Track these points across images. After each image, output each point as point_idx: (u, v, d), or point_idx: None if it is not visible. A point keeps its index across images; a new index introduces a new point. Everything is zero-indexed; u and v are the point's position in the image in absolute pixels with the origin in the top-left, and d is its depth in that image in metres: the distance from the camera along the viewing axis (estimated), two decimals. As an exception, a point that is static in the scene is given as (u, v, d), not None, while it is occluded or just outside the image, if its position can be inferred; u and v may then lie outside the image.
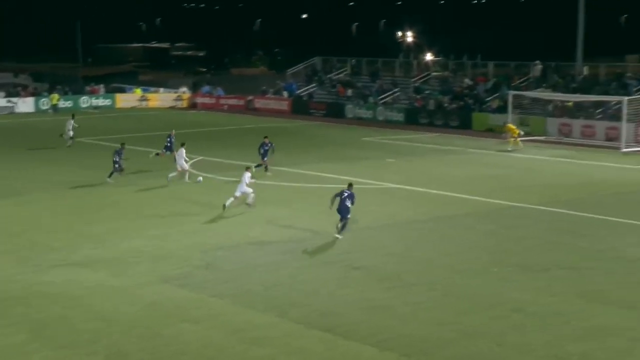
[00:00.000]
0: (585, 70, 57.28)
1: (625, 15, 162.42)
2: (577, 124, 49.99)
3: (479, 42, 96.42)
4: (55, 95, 67.46)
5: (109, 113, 66.39)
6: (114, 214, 28.94)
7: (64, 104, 67.63)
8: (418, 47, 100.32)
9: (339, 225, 25.69)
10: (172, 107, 71.68)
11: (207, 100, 72.37)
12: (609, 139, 47.46)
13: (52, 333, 17.63)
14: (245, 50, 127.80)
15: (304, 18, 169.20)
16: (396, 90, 63.93)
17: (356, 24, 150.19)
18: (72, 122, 46.47)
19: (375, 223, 27.55)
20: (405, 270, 21.97)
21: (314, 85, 70.12)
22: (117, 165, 34.88)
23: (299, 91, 69.80)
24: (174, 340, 17.19)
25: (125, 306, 19.27)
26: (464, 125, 54.85)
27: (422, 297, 19.75)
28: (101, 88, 73.58)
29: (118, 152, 35.08)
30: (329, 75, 70.74)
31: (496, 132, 51.09)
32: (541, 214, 28.84)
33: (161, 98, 73.40)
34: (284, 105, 67.68)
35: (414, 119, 58.08)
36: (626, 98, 46.52)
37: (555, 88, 55.00)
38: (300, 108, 66.24)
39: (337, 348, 16.75)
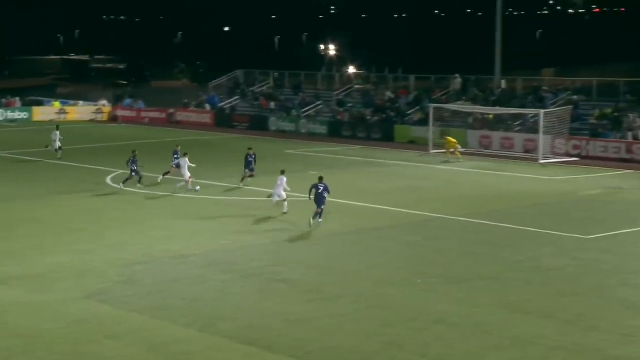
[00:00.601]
0: (503, 84, 58.39)
1: (540, 31, 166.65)
2: (497, 136, 50.87)
3: (400, 56, 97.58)
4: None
5: (26, 126, 64.97)
6: (34, 229, 28.28)
7: (-22, 116, 65.96)
8: (340, 60, 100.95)
9: (317, 212, 28.51)
10: (92, 120, 70.52)
11: (127, 113, 71.42)
12: (527, 151, 48.42)
13: (-35, 352, 17.06)
14: (166, 62, 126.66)
15: (226, 30, 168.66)
16: (319, 102, 64.12)
17: (278, 37, 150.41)
18: (57, 132, 46.34)
19: (298, 235, 27.49)
20: (329, 282, 21.95)
21: (236, 97, 69.84)
22: (133, 173, 35.87)
23: (221, 104, 69.42)
24: (95, 357, 16.81)
25: (48, 323, 18.81)
26: (386, 137, 55.31)
27: (346, 309, 19.74)
28: (17, 101, 71.99)
29: (133, 160, 36.00)
30: (251, 88, 70.57)
31: (418, 144, 51.70)
32: (463, 225, 29.20)
33: (80, 111, 72.15)
34: (207, 117, 67.23)
35: (336, 131, 58.32)
36: (542, 111, 47.54)
37: (474, 101, 55.90)
38: (223, 121, 65.88)
39: (260, 362, 16.60)
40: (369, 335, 17.93)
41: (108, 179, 38.93)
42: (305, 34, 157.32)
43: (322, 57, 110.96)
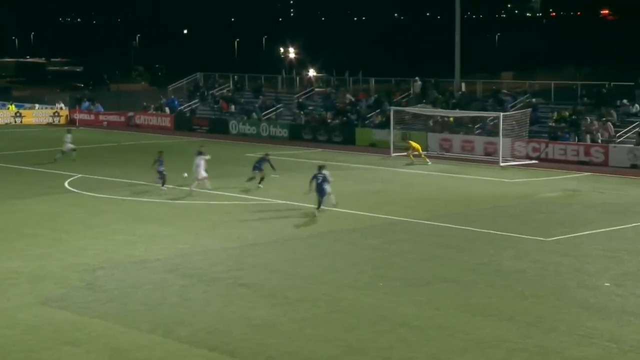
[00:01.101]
0: (463, 87, 58.86)
1: (499, 34, 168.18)
2: (457, 139, 51.26)
3: (361, 59, 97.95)
4: None
5: (-18, 130, 64.19)
6: (-12, 234, 27.95)
7: None
8: (300, 63, 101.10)
9: (321, 202, 30.55)
10: (49, 124, 69.87)
11: (86, 116, 70.85)
12: (487, 154, 48.86)
13: None
14: (125, 65, 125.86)
15: (185, 33, 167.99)
16: (279, 106, 64.14)
17: (238, 39, 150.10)
18: (70, 136, 46.75)
19: (260, 239, 27.51)
20: (290, 287, 21.99)
21: (196, 101, 69.63)
22: (164, 174, 36.19)
23: (181, 107, 69.17)
24: (55, 365, 16.67)
25: (1, 330, 18.58)
26: (348, 140, 55.52)
27: (307, 314, 19.79)
28: (-31, 104, 71.19)
29: (160, 161, 36.22)
30: (211, 91, 70.39)
31: (379, 147, 51.94)
32: (424, 228, 29.40)
33: (37, 114, 71.44)
34: (166, 121, 66.94)
35: (297, 134, 58.40)
36: (502, 114, 48.00)
37: (435, 104, 56.28)
38: (183, 124, 65.65)
39: (224, 367, 16.58)
40: (331, 340, 17.99)
41: (66, 183, 38.60)
42: (265, 36, 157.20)
43: (282, 60, 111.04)
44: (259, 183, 37.48)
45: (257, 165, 37.68)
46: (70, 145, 46.57)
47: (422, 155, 46.33)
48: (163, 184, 36.35)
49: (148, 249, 26.01)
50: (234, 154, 50.16)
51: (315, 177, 30.89)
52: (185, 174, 36.47)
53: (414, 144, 46.89)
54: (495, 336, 18.24)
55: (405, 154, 47.16)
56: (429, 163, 45.62)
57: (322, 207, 30.74)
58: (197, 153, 36.31)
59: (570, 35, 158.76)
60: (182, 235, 28.14)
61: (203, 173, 35.52)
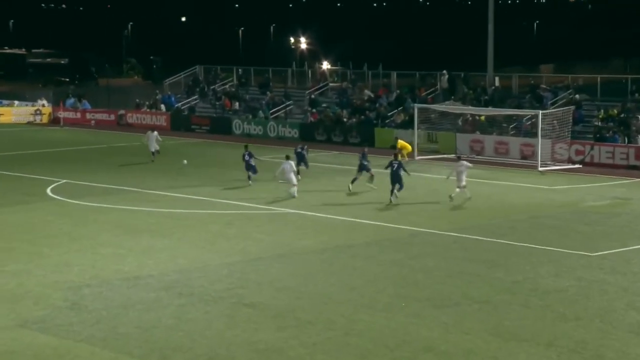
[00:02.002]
0: (497, 82, 58.82)
1: (538, 22, 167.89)
2: (490, 140, 51.20)
3: (381, 50, 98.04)
4: None
5: (-45, 129, 64.58)
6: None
7: None
8: (313, 55, 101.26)
9: (396, 191, 35.09)
10: (30, 123, 70.23)
11: (71, 114, 71.17)
12: (523, 157, 48.77)
13: None
14: (115, 57, 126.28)
15: (183, 21, 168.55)
16: (289, 103, 64.26)
17: (242, 28, 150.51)
18: (156, 134, 48.63)
19: (267, 253, 27.56)
20: (301, 307, 22.03)
21: (195, 97, 69.83)
22: (250, 172, 39.97)
23: (178, 104, 69.37)
24: (35, 394, 16.77)
25: (-25, 355, 18.72)
26: (366, 142, 55.44)
27: (319, 337, 19.82)
28: (-57, 101, 71.64)
29: (250, 155, 40.04)
30: (212, 87, 70.59)
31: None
32: (452, 242, 29.39)
33: (17, 112, 71.84)
34: (162, 120, 67.14)
35: (309, 135, 58.47)
36: (541, 112, 47.92)
37: (464, 101, 56.27)
38: (181, 123, 65.82)
39: (225, 397, 16.64)
40: (347, 367, 18.02)
41: (49, 190, 38.78)
42: (273, 25, 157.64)
43: (293, 52, 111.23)
44: (371, 183, 38.87)
45: (365, 164, 39.16)
46: (156, 146, 47.97)
47: (405, 155, 46.67)
48: (249, 177, 40.02)
49: (140, 264, 26.08)
50: (237, 158, 50.13)
51: (390, 165, 35.78)
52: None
53: (404, 143, 47.08)
54: (531, 364, 18.22)
55: (408, 158, 47.00)
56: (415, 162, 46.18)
57: (396, 194, 35.40)
58: (286, 157, 38.09)
59: (618, 23, 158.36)
60: (178, 248, 28.21)
61: (293, 178, 37.02)
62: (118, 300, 22.55)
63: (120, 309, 21.87)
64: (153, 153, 47.94)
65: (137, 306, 22.05)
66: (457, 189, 36.19)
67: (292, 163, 37.60)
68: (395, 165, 35.61)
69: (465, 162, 36.92)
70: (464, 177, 36.35)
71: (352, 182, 38.69)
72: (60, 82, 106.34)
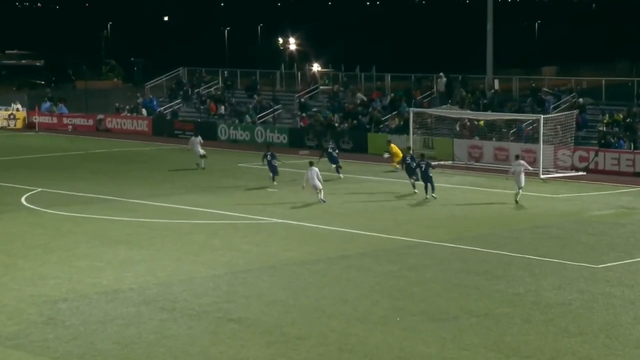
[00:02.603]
0: (497, 84, 58.92)
1: (539, 22, 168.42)
2: (489, 146, 51.26)
3: (374, 51, 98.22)
4: None
5: None
6: None
7: None
8: (303, 57, 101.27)
9: (430, 189, 38.35)
10: (3, 128, 70.07)
11: (47, 119, 71.07)
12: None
13: None
14: (94, 59, 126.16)
15: (166, 21, 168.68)
16: (278, 107, 64.27)
17: (228, 28, 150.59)
18: (199, 138, 49.35)
19: (254, 265, 27.52)
20: (290, 322, 21.99)
21: (178, 101, 69.80)
22: (272, 174, 42.11)
23: (160, 108, 69.33)
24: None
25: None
26: (358, 148, 55.56)
27: (311, 354, 19.79)
28: None
29: (272, 156, 42.19)
30: (197, 90, 70.58)
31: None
32: (449, 252, 29.39)
33: (-11, 117, 71.62)
34: (143, 125, 67.09)
35: (299, 140, 58.47)
36: (542, 116, 48.01)
37: (462, 105, 56.34)
38: (163, 129, 65.76)
39: (210, 417, 16.59)
40: (339, 385, 17.99)
41: (23, 199, 38.70)
42: (261, 25, 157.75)
43: (282, 53, 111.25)
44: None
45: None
46: (202, 151, 48.38)
47: (393, 163, 47.15)
48: (273, 179, 42.08)
49: (119, 277, 26.02)
50: (223, 164, 50.22)
51: (418, 166, 38.93)
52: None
53: (396, 150, 47.19)
54: (534, 381, 18.23)
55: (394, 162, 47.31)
56: (398, 169, 46.13)
57: (432, 194, 38.37)
58: (310, 162, 39.04)
59: (623, 23, 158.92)
60: (160, 260, 28.16)
61: (318, 184, 37.77)
62: (96, 315, 22.48)
63: (98, 324, 21.80)
64: (202, 156, 48.08)
65: (116, 321, 21.99)
66: (519, 190, 37.77)
67: (316, 169, 38.14)
68: (424, 166, 38.63)
69: (522, 162, 38.99)
70: (522, 178, 37.86)
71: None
72: (36, 85, 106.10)
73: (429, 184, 38.62)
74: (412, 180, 39.90)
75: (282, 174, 43.11)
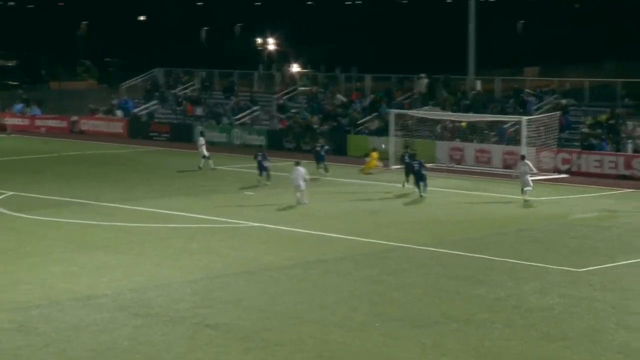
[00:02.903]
0: (479, 85, 59.07)
1: (522, 22, 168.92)
2: (471, 148, 51.38)
3: (354, 52, 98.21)
4: None
5: None
6: None
7: None
8: (282, 57, 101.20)
9: (422, 187, 39.62)
10: (-26, 130, 69.75)
11: (19, 121, 70.78)
12: (507, 166, 48.86)
13: None
14: (68, 59, 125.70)
15: (142, 20, 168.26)
16: (256, 108, 64.22)
17: (206, 28, 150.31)
18: (203, 139, 49.57)
19: (231, 270, 27.52)
20: (268, 327, 22.00)
21: (155, 102, 69.64)
22: (264, 172, 43.04)
23: (136, 110, 69.15)
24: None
25: None
26: (338, 150, 55.56)
27: (289, 360, 19.81)
28: None
29: (263, 157, 43.33)
30: (173, 91, 70.43)
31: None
32: (430, 257, 29.46)
33: (-41, 119, 71.28)
34: (118, 127, 66.91)
35: (277, 142, 58.45)
36: (525, 118, 48.17)
37: (444, 106, 56.44)
38: (139, 130, 65.60)
39: None
40: (317, 392, 18.02)
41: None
42: (239, 24, 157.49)
43: (260, 53, 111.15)
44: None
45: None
46: (206, 152, 48.73)
47: (366, 168, 48.19)
48: (268, 178, 42.97)
49: (94, 283, 25.96)
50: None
51: (411, 167, 40.54)
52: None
53: (375, 156, 48.16)
54: (515, 387, 18.30)
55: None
56: (371, 173, 47.52)
57: (423, 194, 39.61)
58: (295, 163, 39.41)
59: (608, 23, 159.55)
60: (136, 265, 28.10)
61: (302, 184, 37.85)
62: (69, 322, 22.42)
63: (71, 331, 21.74)
64: (204, 157, 48.58)
65: (90, 328, 21.93)
66: (527, 188, 39.05)
67: (302, 170, 38.33)
68: (416, 166, 40.15)
69: (528, 162, 40.36)
70: (528, 178, 39.38)
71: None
72: (7, 85, 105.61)
73: (421, 183, 39.91)
74: (406, 180, 41.50)
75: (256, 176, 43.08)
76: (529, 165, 39.95)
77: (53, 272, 27.23)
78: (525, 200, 38.92)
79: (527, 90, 57.42)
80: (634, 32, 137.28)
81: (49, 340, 21.12)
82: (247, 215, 36.08)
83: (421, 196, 39.69)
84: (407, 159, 42.53)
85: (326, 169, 46.45)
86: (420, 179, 40.03)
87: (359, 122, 58.05)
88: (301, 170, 38.24)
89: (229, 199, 39.99)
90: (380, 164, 48.67)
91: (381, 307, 23.75)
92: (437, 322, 22.48)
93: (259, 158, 43.54)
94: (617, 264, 28.53)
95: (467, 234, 32.94)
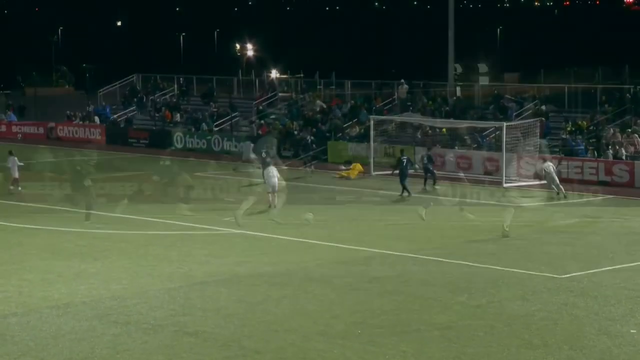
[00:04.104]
0: (458, 92, 59.33)
1: (501, 28, 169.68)
2: (451, 154, 51.56)
3: (334, 57, 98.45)
4: None
5: None
6: None
7: None
8: (261, 63, 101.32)
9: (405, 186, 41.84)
10: (-52, 137, 69.42)
11: (-5, 127, 70.51)
12: (487, 173, 49.12)
13: None
14: (44, 64, 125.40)
15: (119, 26, 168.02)
16: (235, 114, 64.22)
17: (184, 34, 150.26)
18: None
19: (211, 277, 27.47)
20: (248, 335, 21.97)
21: (133, 108, 69.57)
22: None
23: (114, 116, 69.04)
24: None
25: None
26: (318, 156, 55.59)
27: (270, 368, 19.78)
28: None
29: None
30: (151, 97, 70.39)
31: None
32: (411, 264, 29.49)
33: None
34: (96, 133, 66.80)
35: (257, 149, 58.35)
36: (505, 124, 48.34)
37: (424, 112, 56.63)
38: (117, 137, 65.51)
39: None
40: (298, 400, 17.99)
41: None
42: (217, 30, 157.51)
43: (239, 59, 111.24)
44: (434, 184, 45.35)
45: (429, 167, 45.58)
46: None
47: (344, 172, 49.09)
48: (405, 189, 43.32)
49: (71, 291, 25.85)
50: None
51: (399, 163, 42.91)
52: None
53: (359, 167, 48.88)
54: (497, 394, 18.33)
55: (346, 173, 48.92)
56: (352, 178, 48.15)
57: (409, 192, 41.76)
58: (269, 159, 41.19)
59: (587, 29, 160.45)
60: (114, 273, 28.00)
61: (275, 183, 38.15)
62: (47, 330, 22.32)
63: (49, 339, 21.65)
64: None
65: (67, 336, 21.84)
66: (559, 187, 42.01)
67: (273, 167, 38.69)
68: (404, 160, 42.92)
69: (550, 163, 42.87)
70: (555, 177, 42.34)
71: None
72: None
73: (405, 182, 42.47)
74: (405, 184, 42.61)
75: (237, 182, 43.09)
76: (552, 165, 42.71)
77: (29, 280, 27.09)
78: (565, 196, 41.91)
79: (507, 96, 57.70)
80: (614, 38, 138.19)
81: (26, 349, 21.02)
82: (227, 221, 36.02)
83: (408, 195, 41.95)
84: (404, 163, 43.20)
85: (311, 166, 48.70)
86: (403, 178, 42.44)
87: (342, 127, 58.09)
88: (273, 168, 38.56)
89: (209, 206, 39.90)
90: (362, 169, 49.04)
91: (362, 315, 23.75)
92: (418, 329, 22.50)
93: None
94: (598, 270, 28.64)
95: (448, 241, 33.02)
